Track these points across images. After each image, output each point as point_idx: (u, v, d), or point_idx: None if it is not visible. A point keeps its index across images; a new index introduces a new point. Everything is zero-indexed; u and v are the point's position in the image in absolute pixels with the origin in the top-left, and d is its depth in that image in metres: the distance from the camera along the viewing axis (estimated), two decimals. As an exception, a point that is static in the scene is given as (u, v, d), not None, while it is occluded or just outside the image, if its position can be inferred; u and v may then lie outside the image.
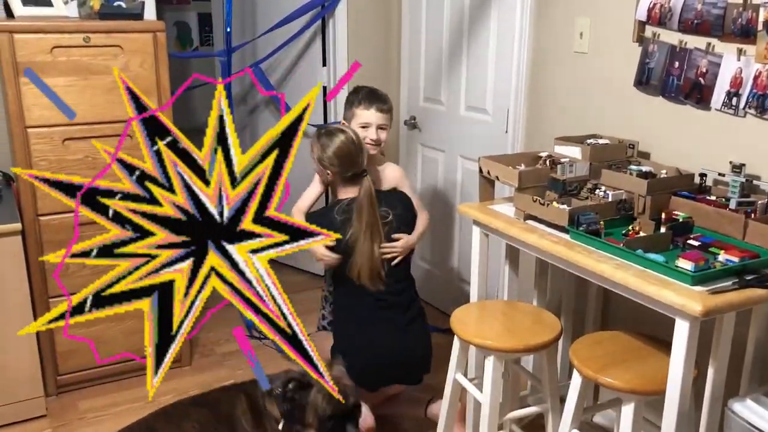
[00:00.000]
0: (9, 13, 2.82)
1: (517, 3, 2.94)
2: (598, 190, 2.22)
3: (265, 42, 3.90)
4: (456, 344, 2.24)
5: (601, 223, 2.04)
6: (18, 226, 2.58)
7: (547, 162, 2.37)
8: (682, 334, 1.68)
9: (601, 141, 2.45)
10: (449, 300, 3.71)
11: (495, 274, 3.12)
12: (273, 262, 4.13)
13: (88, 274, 2.86)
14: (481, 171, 2.42)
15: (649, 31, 2.39)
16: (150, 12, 3.20)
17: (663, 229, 2.00)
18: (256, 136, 4.34)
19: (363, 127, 2.67)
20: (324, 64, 3.89)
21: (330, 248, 2.50)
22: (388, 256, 2.54)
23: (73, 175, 2.69)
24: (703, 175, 2.19)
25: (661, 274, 1.78)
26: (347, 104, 2.76)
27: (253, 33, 4.03)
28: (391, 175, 2.77)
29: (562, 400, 2.20)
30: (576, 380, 1.96)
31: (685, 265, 1.73)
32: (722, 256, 1.81)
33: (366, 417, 2.52)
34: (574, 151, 2.40)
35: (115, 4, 2.80)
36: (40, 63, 2.60)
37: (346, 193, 2.57)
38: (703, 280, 1.72)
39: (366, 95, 2.70)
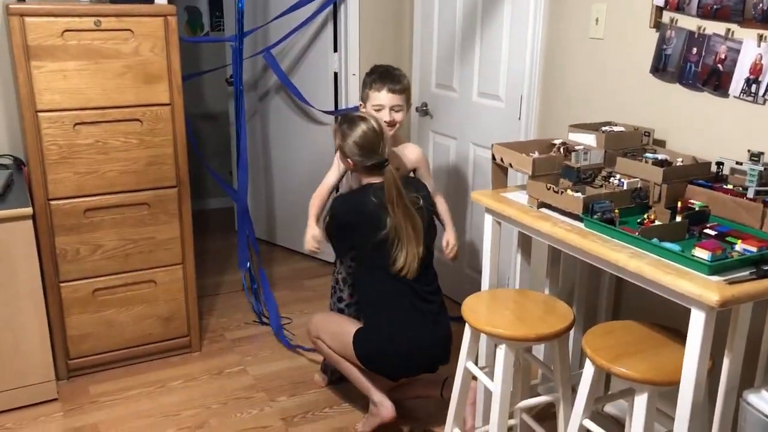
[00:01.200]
0: (20, -3, 2.82)
1: (531, -12, 2.90)
2: (612, 178, 2.19)
3: (276, 27, 3.88)
4: (467, 333, 2.23)
5: (616, 211, 2.01)
6: (29, 210, 2.58)
7: (561, 149, 2.33)
8: (697, 324, 1.65)
9: (616, 128, 2.42)
10: (459, 288, 3.70)
11: (506, 262, 3.10)
12: (283, 249, 4.23)
13: (99, 259, 2.89)
14: (494, 158, 2.39)
15: (666, 16, 2.35)
16: (160, -4, 3.19)
17: (679, 218, 1.97)
18: (267, 122, 4.33)
19: (376, 109, 2.64)
20: (335, 50, 3.86)
21: (371, 236, 2.43)
22: (452, 255, 2.82)
23: (82, 159, 2.74)
24: (720, 164, 2.15)
25: (677, 263, 1.75)
26: (362, 85, 2.73)
27: (264, 18, 4.00)
28: (411, 156, 2.76)
29: (574, 390, 2.18)
30: (588, 370, 1.94)
31: (701, 254, 1.70)
32: (739, 246, 1.78)
33: (387, 408, 2.51)
34: (588, 139, 2.36)
35: (126, -13, 2.77)
36: (50, 46, 2.59)
37: (370, 179, 2.52)
38: (719, 270, 1.69)
39: (378, 76, 2.65)
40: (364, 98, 2.71)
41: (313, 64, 3.97)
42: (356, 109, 3.77)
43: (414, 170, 2.78)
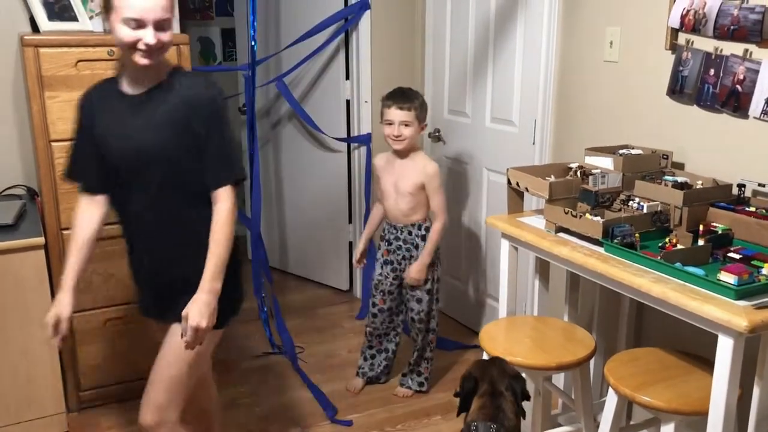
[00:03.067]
0: (35, 28, 2.84)
1: (544, 12, 2.89)
2: (631, 202, 2.15)
3: (288, 55, 3.89)
4: (485, 361, 2.17)
5: (637, 235, 1.97)
6: (41, 240, 2.57)
7: (578, 173, 2.30)
8: (726, 351, 1.60)
9: (633, 151, 2.38)
10: (475, 315, 3.65)
11: (522, 288, 3.05)
12: (296, 277, 4.19)
13: (112, 289, 2.86)
14: (509, 182, 2.36)
15: (682, 38, 2.33)
16: (174, 26, 3.21)
17: (701, 242, 1.93)
18: (279, 150, 4.33)
19: (387, 123, 2.86)
20: (347, 78, 3.87)
21: None
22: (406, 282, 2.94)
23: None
24: (741, 186, 2.11)
25: (702, 288, 1.70)
26: (381, 105, 2.95)
27: (276, 47, 4.03)
28: (421, 168, 2.87)
29: (596, 419, 2.12)
30: (612, 399, 1.88)
31: (727, 278, 1.66)
32: (766, 270, 1.73)
33: None
34: (605, 162, 2.33)
35: (140, 17, 2.79)
36: (64, 77, 2.60)
37: None
38: (746, 295, 1.64)
39: (390, 95, 2.91)
40: (381, 116, 2.94)
41: (326, 92, 3.98)
42: (368, 136, 3.79)
43: (423, 185, 2.88)
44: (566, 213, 2.11)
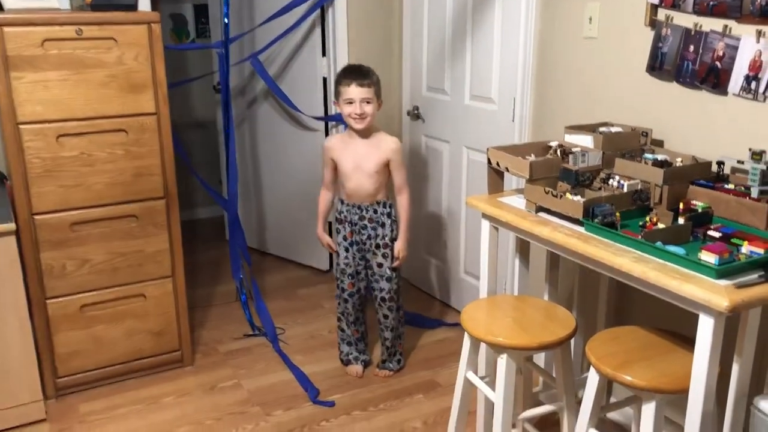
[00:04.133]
0: (-1, 6, 2.74)
1: (522, -12, 2.85)
2: (611, 180, 2.14)
3: (263, 32, 3.82)
4: (466, 342, 2.17)
5: (617, 214, 1.96)
6: (12, 226, 2.50)
7: (558, 152, 2.28)
8: (706, 330, 1.60)
9: (613, 129, 2.37)
10: (457, 294, 3.65)
11: (503, 266, 3.05)
12: (275, 258, 4.16)
13: (87, 274, 2.81)
14: (489, 162, 2.34)
15: (661, 14, 2.30)
16: (144, 3, 3.12)
17: (681, 220, 1.92)
18: (256, 129, 4.27)
19: (348, 102, 2.78)
20: (324, 54, 3.80)
21: None
22: (397, 264, 2.95)
23: (67, 172, 2.66)
24: (720, 163, 2.10)
25: (683, 267, 1.70)
26: (335, 84, 2.86)
27: (251, 23, 3.94)
28: (385, 147, 2.86)
29: (577, 397, 2.13)
30: (593, 378, 1.89)
31: (708, 257, 1.65)
32: (746, 248, 1.73)
33: None
34: (585, 140, 2.31)
35: (108, -6, 2.71)
36: (30, 56, 2.52)
37: None
38: (727, 274, 1.64)
39: (346, 73, 2.82)
40: (336, 95, 2.86)
41: (302, 69, 3.91)
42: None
43: (388, 162, 2.86)
44: (546, 193, 2.09)
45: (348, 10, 3.66)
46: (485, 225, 2.32)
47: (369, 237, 2.92)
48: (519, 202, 2.25)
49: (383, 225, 2.90)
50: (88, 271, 2.81)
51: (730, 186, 2.02)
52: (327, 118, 3.85)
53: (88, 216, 2.77)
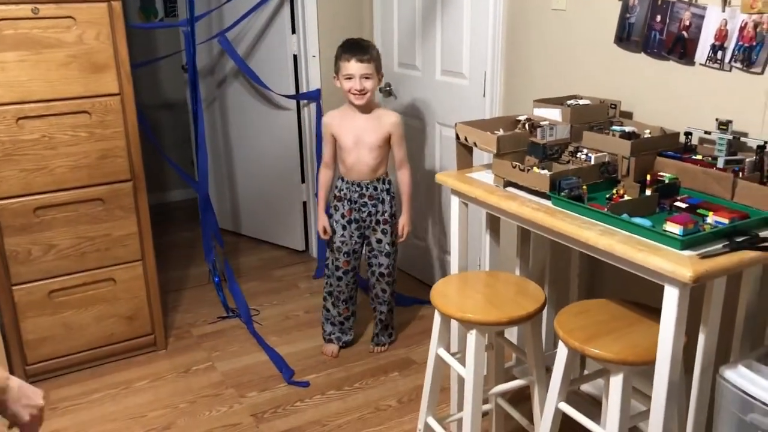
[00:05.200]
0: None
1: (491, -40, 2.81)
2: (579, 153, 2.13)
3: (231, 9, 3.74)
4: (437, 319, 2.16)
5: (584, 187, 1.95)
6: (-27, 212, 2.45)
7: (526, 126, 2.26)
8: (671, 301, 1.60)
9: (581, 102, 2.35)
10: (429, 270, 3.64)
11: (476, 243, 3.04)
12: (250, 239, 4.13)
13: (53, 260, 2.76)
14: (458, 137, 2.31)
15: (629, -16, 2.28)
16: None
17: (648, 192, 1.91)
18: (226, 109, 4.21)
19: (347, 78, 2.75)
20: (293, 32, 3.74)
21: None
22: (402, 240, 2.97)
23: (28, 156, 2.61)
24: (688, 134, 2.10)
25: (649, 239, 1.69)
26: (335, 59, 2.82)
27: (218, 1, 3.86)
28: (386, 121, 2.85)
29: (548, 371, 2.13)
30: (562, 352, 1.89)
31: (673, 229, 1.64)
32: (711, 218, 1.72)
33: None
34: (553, 114, 2.29)
35: (66, -28, 2.63)
36: (-15, 37, 2.45)
37: None
38: (692, 244, 1.63)
39: (347, 47, 2.77)
40: (336, 70, 2.82)
41: (271, 47, 3.85)
42: (318, 92, 3.69)
43: (390, 136, 2.86)
44: (514, 167, 2.07)
45: (317, -14, 3.60)
46: (454, 201, 2.30)
47: (369, 214, 2.90)
48: (488, 177, 2.23)
49: (383, 201, 2.89)
50: (55, 256, 2.76)
51: (698, 157, 2.02)
52: (299, 96, 3.80)
53: (53, 200, 2.71)
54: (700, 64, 2.09)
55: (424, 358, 2.95)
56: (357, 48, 2.75)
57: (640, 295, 2.11)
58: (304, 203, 4.04)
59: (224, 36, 3.63)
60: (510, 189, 2.12)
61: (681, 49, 2.14)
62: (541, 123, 2.24)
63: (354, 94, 2.76)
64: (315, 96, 3.72)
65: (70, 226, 2.76)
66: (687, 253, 1.61)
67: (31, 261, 2.72)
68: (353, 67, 2.73)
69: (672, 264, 1.56)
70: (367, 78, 2.75)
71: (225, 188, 4.40)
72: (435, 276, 3.59)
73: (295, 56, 3.78)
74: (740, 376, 1.64)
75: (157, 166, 4.54)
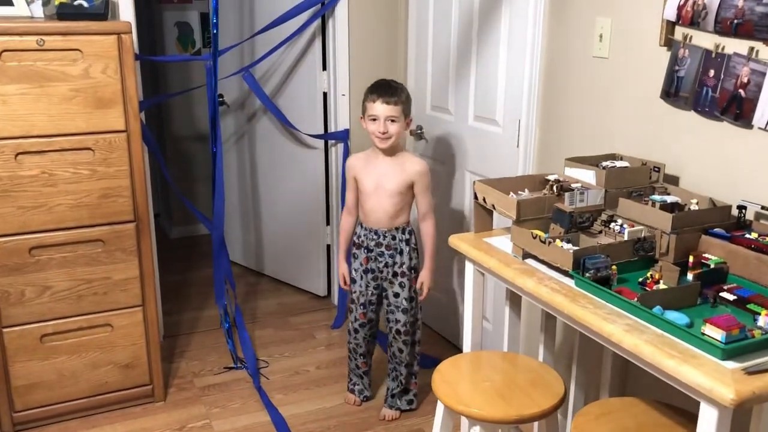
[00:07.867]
0: (-39, 14, 2.57)
1: (530, 2, 2.57)
2: (614, 223, 1.85)
3: (263, 44, 3.60)
4: (439, 409, 1.89)
5: (614, 267, 1.67)
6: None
7: (554, 188, 2.00)
8: (708, 422, 1.31)
9: (619, 163, 2.07)
10: (458, 330, 3.36)
11: (501, 307, 2.75)
12: (271, 280, 3.85)
13: (48, 302, 2.62)
14: (476, 197, 2.06)
15: (679, 33, 2.00)
16: (127, 12, 2.94)
17: (690, 276, 1.63)
18: (255, 144, 4.06)
19: (372, 119, 2.61)
20: (324, 68, 3.57)
21: None
22: (422, 297, 2.74)
23: (26, 193, 2.48)
24: (742, 208, 1.80)
25: (684, 341, 1.41)
26: (363, 100, 2.68)
27: (251, 33, 3.73)
28: (410, 169, 2.66)
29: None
30: (578, 462, 1.60)
31: (713, 333, 1.36)
32: (763, 319, 1.43)
33: None
34: (587, 175, 2.03)
35: (76, 3, 2.51)
36: (-14, 69, 2.34)
37: None
38: (736, 354, 1.34)
39: (374, 88, 2.64)
40: (363, 111, 2.68)
41: (302, 83, 3.68)
42: (346, 132, 3.50)
43: (412, 185, 2.66)
44: (534, 238, 1.81)
45: (350, 21, 3.43)
46: (469, 268, 2.05)
47: (386, 265, 2.68)
48: (507, 244, 1.97)
49: (401, 252, 2.67)
50: (49, 298, 2.62)
51: (752, 236, 1.72)
52: (326, 136, 3.61)
53: (50, 240, 2.57)
54: (759, 127, 1.80)
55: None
56: (385, 89, 2.60)
57: (678, 395, 1.80)
58: (328, 246, 3.83)
59: (249, 72, 3.47)
60: (529, 261, 1.86)
61: (737, 109, 1.85)
62: (573, 185, 1.98)
63: (378, 136, 2.59)
64: (343, 137, 3.53)
65: (68, 267, 2.61)
66: (730, 365, 1.32)
67: (24, 302, 2.58)
68: (379, 108, 2.57)
69: (709, 380, 1.27)
70: (392, 121, 2.58)
71: (250, 225, 4.23)
72: (461, 337, 3.31)
73: (325, 94, 3.61)
74: None
75: (182, 200, 4.41)
